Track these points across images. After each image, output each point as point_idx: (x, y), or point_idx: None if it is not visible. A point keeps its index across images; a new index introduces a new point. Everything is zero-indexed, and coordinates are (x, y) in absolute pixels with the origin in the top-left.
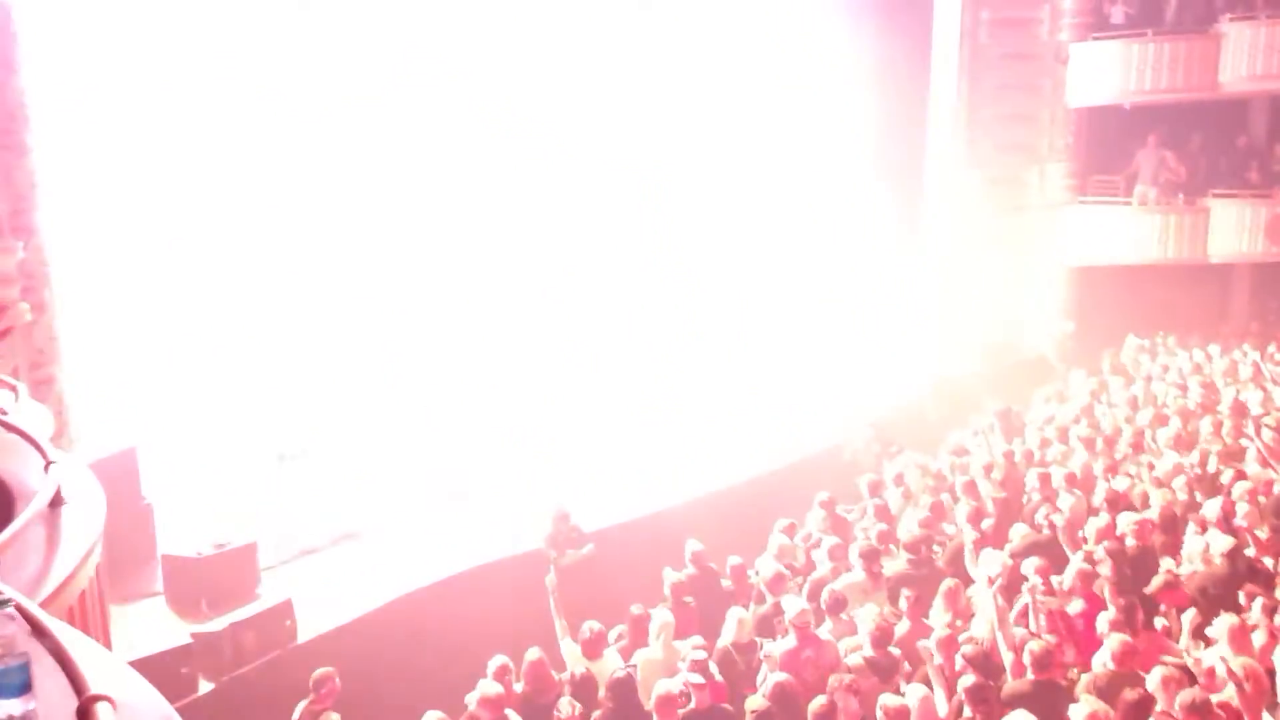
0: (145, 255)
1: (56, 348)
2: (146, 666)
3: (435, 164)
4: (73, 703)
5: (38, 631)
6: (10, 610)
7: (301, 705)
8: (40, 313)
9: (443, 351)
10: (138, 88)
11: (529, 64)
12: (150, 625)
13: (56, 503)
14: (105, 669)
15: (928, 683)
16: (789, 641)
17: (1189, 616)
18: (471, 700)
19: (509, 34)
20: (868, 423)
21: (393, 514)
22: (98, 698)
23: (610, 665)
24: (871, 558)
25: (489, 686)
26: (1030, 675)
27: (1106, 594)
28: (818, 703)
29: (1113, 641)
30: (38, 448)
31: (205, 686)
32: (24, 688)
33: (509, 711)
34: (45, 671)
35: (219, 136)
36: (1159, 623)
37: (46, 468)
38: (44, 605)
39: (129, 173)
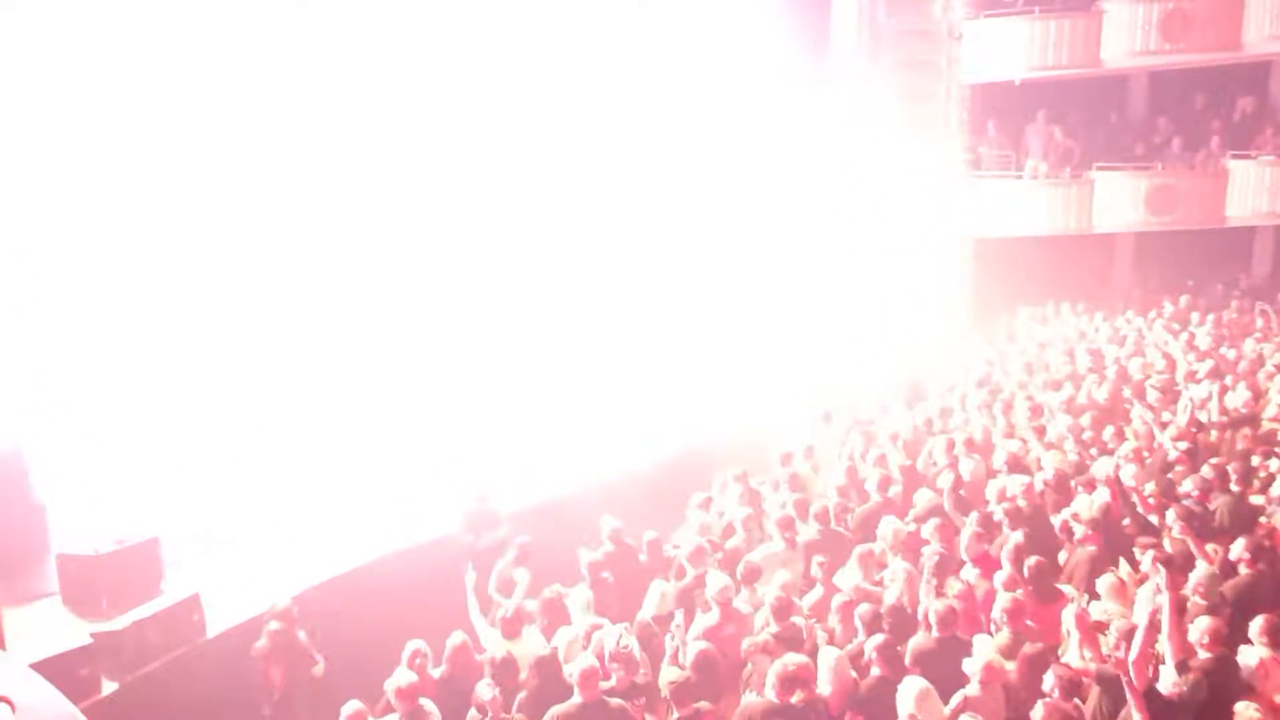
0: (34, 240)
1: None
2: (44, 669)
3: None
4: None
5: None
6: None
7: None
8: None
9: (352, 336)
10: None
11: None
12: (46, 627)
13: None
14: (2, 670)
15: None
16: (712, 617)
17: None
18: (389, 688)
19: (479, 38)
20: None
21: (301, 502)
22: None
23: (531, 645)
24: (787, 526)
25: (403, 676)
26: (935, 633)
27: (1004, 555)
28: (787, 661)
29: (1004, 599)
30: None
31: (109, 687)
32: None
33: (424, 701)
34: None
35: (119, 123)
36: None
37: None
38: None
39: (26, 143)
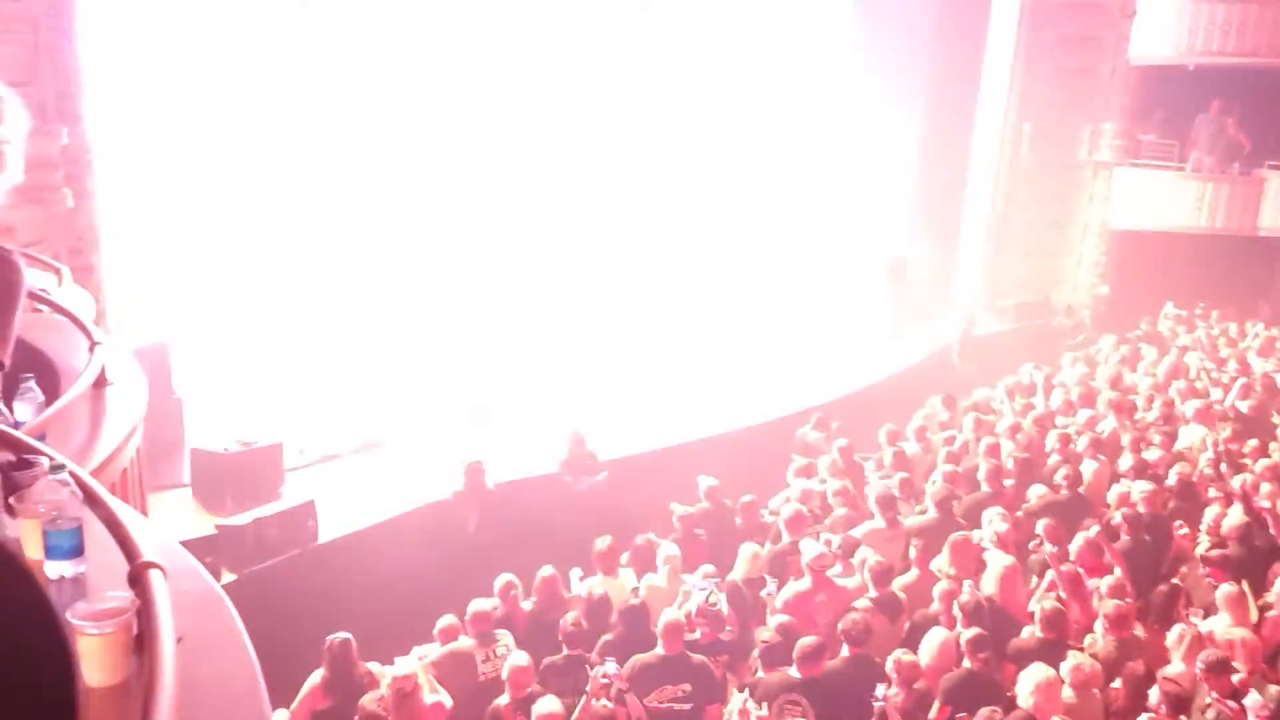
0: (188, 151)
1: (97, 236)
2: None
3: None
4: (124, 568)
5: (90, 499)
6: (64, 476)
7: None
8: (82, 199)
9: (473, 271)
10: None
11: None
12: (176, 515)
13: (101, 383)
14: (154, 540)
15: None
16: (803, 583)
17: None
18: (469, 611)
19: (502, 29)
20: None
21: (416, 427)
22: (149, 565)
23: (624, 585)
24: (888, 504)
25: (476, 604)
26: (1038, 633)
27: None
28: (805, 642)
29: (1107, 606)
30: (84, 329)
31: (228, 577)
32: (76, 551)
33: (500, 632)
34: (95, 539)
35: (264, 49)
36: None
37: (92, 349)
38: None
39: (177, 64)
